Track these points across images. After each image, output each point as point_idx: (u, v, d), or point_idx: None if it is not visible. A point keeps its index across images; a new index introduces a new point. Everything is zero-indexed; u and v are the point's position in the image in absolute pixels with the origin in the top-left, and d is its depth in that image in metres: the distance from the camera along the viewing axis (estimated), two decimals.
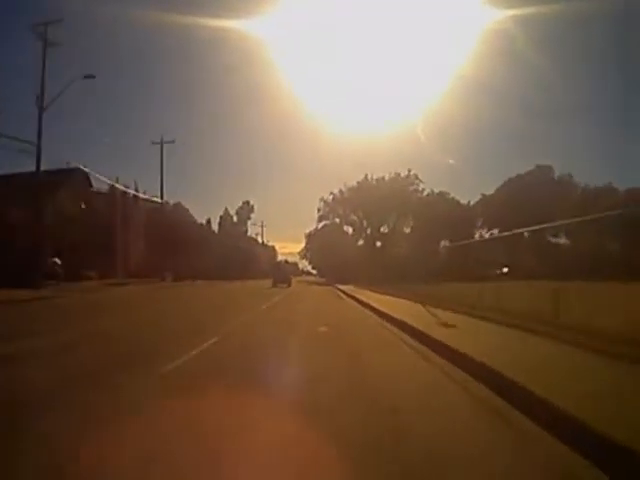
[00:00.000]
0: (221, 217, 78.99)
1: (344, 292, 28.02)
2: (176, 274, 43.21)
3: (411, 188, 52.14)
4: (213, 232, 71.99)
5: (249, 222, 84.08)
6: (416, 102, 32.22)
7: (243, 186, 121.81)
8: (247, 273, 75.41)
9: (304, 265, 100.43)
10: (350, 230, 57.87)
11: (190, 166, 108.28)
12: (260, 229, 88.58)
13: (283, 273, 41.02)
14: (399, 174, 52.01)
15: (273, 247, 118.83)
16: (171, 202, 60.78)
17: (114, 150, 76.00)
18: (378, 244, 54.67)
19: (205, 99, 78.69)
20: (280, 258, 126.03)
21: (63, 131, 62.89)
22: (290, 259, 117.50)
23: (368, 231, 56.31)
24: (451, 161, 53.90)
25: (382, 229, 53.87)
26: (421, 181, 52.07)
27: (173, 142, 43.27)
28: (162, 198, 43.92)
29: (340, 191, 56.57)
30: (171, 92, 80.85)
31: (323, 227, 59.62)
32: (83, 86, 35.30)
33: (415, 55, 23.94)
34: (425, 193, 52.83)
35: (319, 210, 58.36)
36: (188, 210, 62.84)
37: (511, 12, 20.21)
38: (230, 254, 68.78)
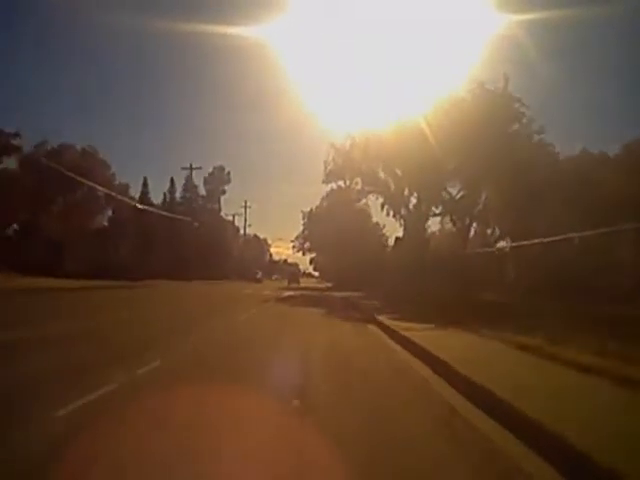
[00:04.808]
0: (172, 181, 53.14)
1: None
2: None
3: (506, 114, 26.71)
4: (147, 201, 45.84)
5: (223, 198, 59.26)
6: (423, 106, 26.13)
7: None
8: (214, 273, 50.81)
9: (303, 264, 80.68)
10: (379, 201, 32.84)
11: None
12: (236, 215, 63.95)
13: (294, 277, 60.07)
14: (482, 84, 26.59)
15: (265, 240, 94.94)
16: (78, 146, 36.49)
17: None
18: (429, 226, 30.05)
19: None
20: (276, 258, 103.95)
21: None
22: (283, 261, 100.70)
23: (412, 203, 31.36)
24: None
25: (449, 195, 28.79)
26: (524, 105, 26.89)
27: None
28: None
29: (363, 133, 31.43)
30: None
31: (331, 195, 33.93)
32: None
33: (422, 59, 24.49)
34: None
35: (326, 165, 33.48)
36: (106, 162, 38.11)
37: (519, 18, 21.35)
38: (177, 242, 43.88)
